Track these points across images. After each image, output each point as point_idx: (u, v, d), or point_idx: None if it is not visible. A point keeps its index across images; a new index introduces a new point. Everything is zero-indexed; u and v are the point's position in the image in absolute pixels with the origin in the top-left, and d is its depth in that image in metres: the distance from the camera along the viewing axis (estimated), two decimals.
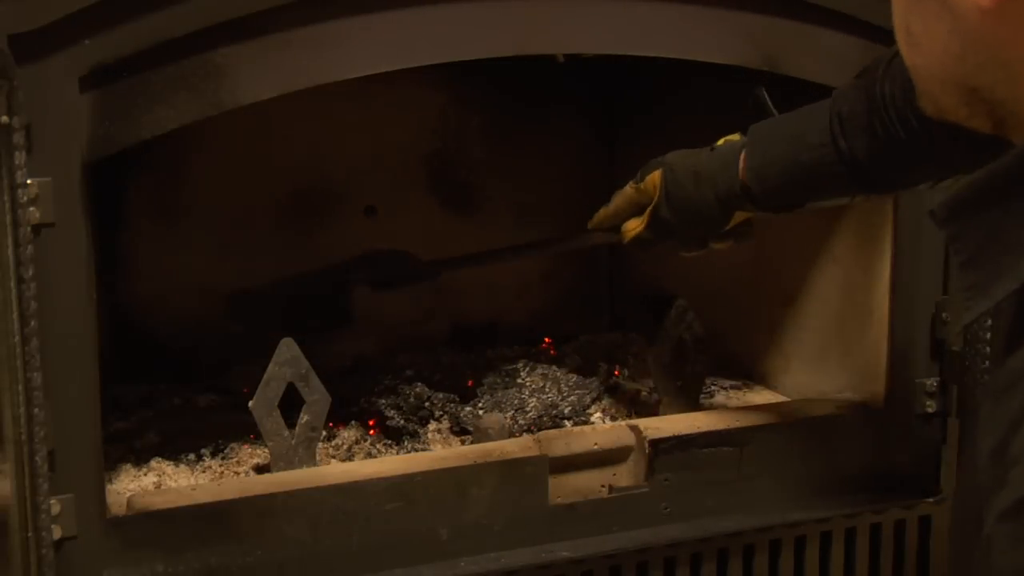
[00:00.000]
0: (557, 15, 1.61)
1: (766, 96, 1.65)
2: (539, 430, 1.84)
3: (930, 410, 1.85)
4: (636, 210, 1.74)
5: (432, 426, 1.89)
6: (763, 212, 1.65)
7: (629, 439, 1.75)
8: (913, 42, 0.97)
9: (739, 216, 1.67)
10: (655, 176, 1.70)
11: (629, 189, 1.74)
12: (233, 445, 1.82)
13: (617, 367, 2.09)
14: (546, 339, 2.23)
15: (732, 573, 1.77)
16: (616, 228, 1.78)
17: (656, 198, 1.70)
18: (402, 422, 1.86)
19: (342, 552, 1.60)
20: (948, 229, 0.94)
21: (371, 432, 1.86)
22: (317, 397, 1.67)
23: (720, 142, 1.67)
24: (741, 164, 1.61)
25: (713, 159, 1.66)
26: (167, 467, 1.76)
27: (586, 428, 1.80)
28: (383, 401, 1.90)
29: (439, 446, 1.84)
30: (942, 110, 0.98)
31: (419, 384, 1.93)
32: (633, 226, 1.75)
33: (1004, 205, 0.90)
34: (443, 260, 2.06)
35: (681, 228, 1.70)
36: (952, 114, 0.97)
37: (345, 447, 1.82)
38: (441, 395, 1.92)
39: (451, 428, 1.88)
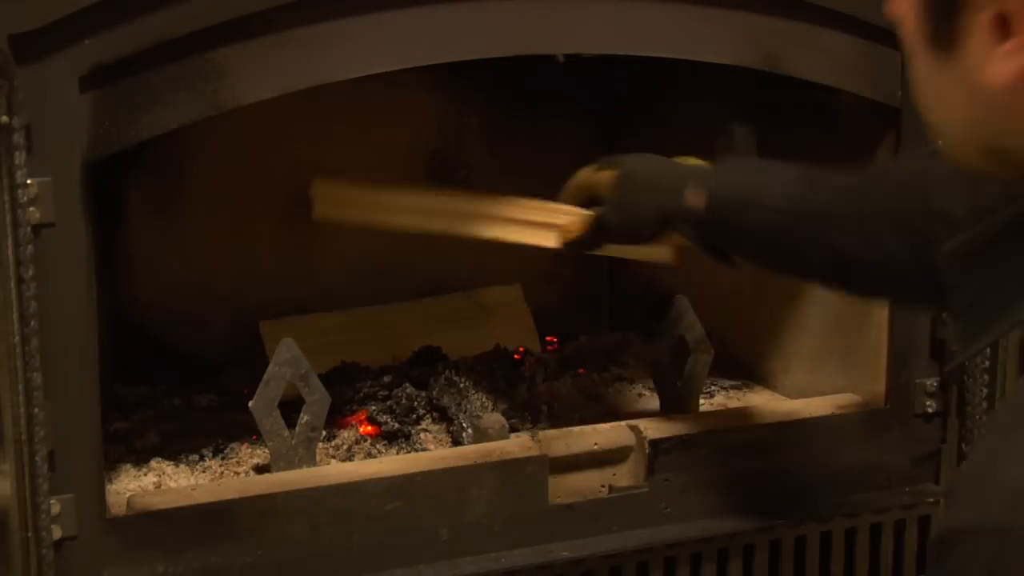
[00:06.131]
0: (557, 15, 1.61)
1: (735, 134, 1.64)
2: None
3: (930, 410, 1.85)
4: (580, 202, 1.72)
5: (421, 425, 1.89)
6: (698, 245, 1.61)
7: (629, 439, 1.75)
8: (932, 103, 0.98)
9: (672, 239, 1.66)
10: (608, 174, 1.67)
11: (584, 176, 1.71)
12: (233, 445, 1.82)
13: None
14: (548, 338, 2.23)
15: (732, 573, 1.77)
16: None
17: (607, 198, 1.67)
18: (396, 425, 1.86)
19: (342, 552, 1.60)
20: (948, 278, 1.02)
21: (372, 434, 1.86)
22: (317, 397, 1.67)
23: (681, 159, 1.65)
24: (696, 190, 1.56)
25: (671, 174, 1.62)
26: (167, 467, 1.76)
27: (586, 428, 1.80)
28: (373, 407, 1.90)
29: (432, 446, 1.84)
30: (962, 162, 1.00)
31: (408, 385, 1.93)
32: (572, 227, 1.72)
33: (997, 263, 0.97)
34: None
35: (619, 235, 1.69)
36: (972, 165, 0.99)
37: (345, 447, 1.82)
38: (423, 394, 1.92)
39: (447, 430, 1.88)
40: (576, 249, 1.75)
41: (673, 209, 1.58)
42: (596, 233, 1.70)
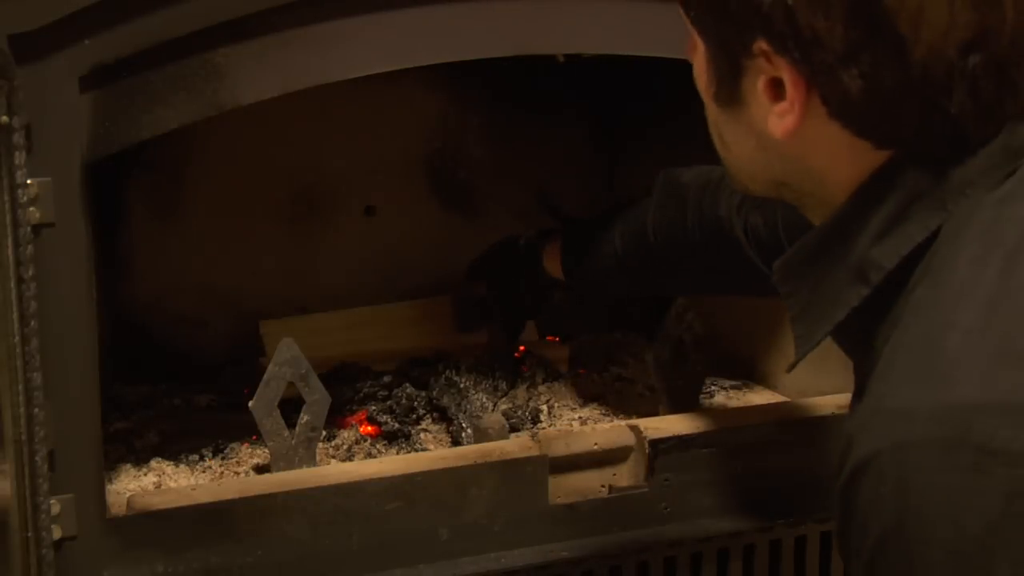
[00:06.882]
0: (557, 15, 1.61)
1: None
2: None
3: None
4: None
5: (421, 425, 1.89)
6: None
7: (629, 439, 1.74)
8: (725, 145, 1.15)
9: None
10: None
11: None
12: (233, 445, 1.82)
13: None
14: (548, 338, 2.23)
15: (732, 573, 1.77)
16: None
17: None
18: (396, 425, 1.86)
19: (342, 552, 1.60)
20: (782, 289, 1.15)
21: (372, 434, 1.86)
22: (317, 397, 1.67)
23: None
24: (553, 260, 1.90)
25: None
26: (167, 467, 1.76)
27: (586, 428, 1.80)
28: (373, 407, 1.90)
29: (432, 446, 1.84)
30: (751, 191, 1.19)
31: (408, 385, 1.93)
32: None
33: (817, 270, 1.10)
34: None
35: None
36: (760, 194, 1.18)
37: (345, 447, 1.82)
38: (423, 394, 1.92)
39: (447, 430, 1.88)
40: (468, 328, 2.13)
41: (541, 283, 1.98)
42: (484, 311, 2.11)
